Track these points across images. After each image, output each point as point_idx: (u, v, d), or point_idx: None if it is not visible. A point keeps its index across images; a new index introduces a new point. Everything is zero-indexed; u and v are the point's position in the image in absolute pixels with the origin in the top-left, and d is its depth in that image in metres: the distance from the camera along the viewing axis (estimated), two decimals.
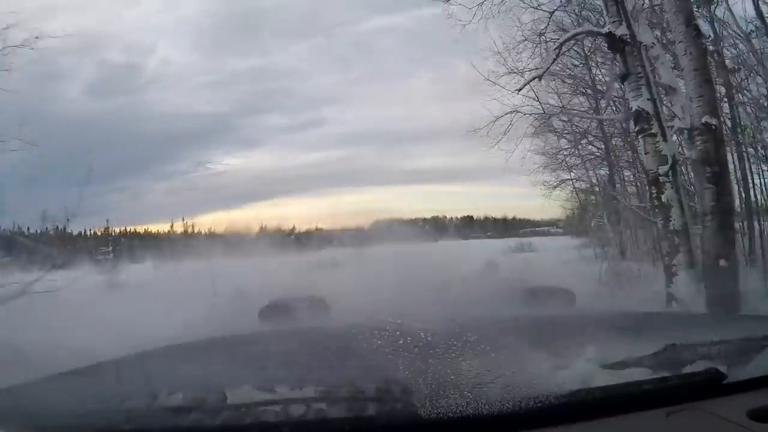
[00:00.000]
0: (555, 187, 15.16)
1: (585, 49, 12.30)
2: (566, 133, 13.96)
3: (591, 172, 14.68)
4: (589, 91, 13.32)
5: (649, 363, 1.65)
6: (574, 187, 15.71)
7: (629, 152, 12.82)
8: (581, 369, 1.63)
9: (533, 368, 1.64)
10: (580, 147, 14.10)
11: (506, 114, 10.58)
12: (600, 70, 12.86)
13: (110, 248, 16.53)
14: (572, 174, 14.95)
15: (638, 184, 12.94)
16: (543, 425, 1.25)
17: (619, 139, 13.08)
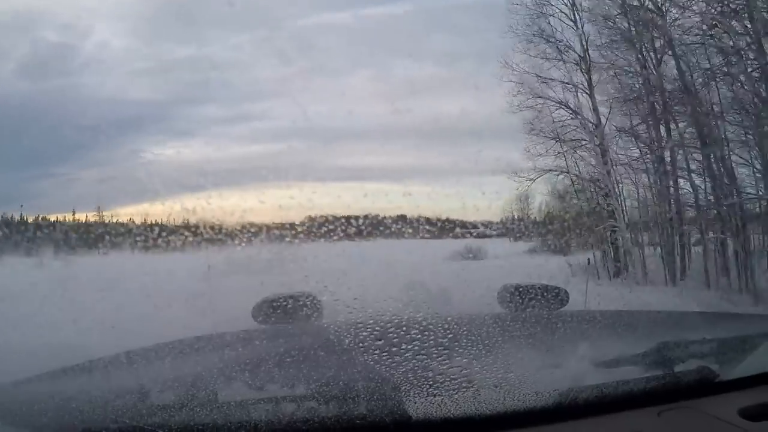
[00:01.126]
0: (534, 179, 13.11)
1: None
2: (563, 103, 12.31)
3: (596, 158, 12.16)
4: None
5: (642, 361, 1.65)
6: (572, 181, 13.10)
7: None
8: (573, 367, 1.62)
9: (525, 367, 1.63)
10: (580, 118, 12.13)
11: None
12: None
13: None
14: (566, 154, 12.53)
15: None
16: (534, 424, 1.24)
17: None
